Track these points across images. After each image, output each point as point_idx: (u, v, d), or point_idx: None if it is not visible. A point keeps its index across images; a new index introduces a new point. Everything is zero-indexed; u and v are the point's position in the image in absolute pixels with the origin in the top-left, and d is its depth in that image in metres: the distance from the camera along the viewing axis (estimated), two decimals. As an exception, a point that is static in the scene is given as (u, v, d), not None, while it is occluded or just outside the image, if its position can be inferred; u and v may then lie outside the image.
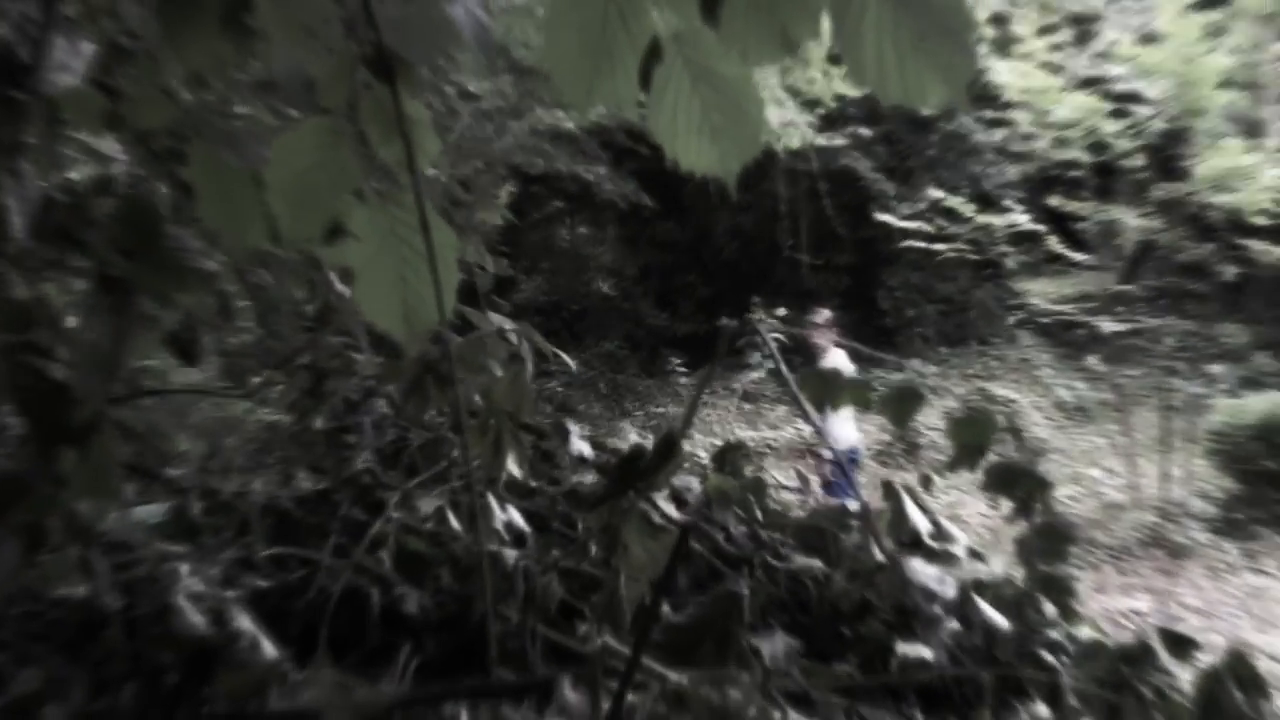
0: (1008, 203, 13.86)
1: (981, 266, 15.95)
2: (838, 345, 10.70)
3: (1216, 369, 13.35)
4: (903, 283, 18.61)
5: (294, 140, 1.42)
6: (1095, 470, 13.02)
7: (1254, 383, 13.49)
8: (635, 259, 21.01)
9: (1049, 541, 2.07)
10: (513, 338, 2.05)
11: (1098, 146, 11.73)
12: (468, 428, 1.95)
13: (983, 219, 13.20)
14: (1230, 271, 11.46)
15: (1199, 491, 11.38)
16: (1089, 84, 11.96)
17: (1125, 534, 10.73)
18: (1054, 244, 12.69)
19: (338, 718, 1.28)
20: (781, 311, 16.37)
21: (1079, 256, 12.76)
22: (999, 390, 16.62)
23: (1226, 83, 10.86)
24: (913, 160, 18.36)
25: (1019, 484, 1.96)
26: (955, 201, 13.39)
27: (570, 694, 1.56)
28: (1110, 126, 11.43)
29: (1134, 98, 11.58)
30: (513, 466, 2.02)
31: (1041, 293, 13.79)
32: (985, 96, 14.31)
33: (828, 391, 1.97)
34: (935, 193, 14.29)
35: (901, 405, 1.95)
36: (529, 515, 2.29)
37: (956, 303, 18.70)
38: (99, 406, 1.64)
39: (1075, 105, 11.64)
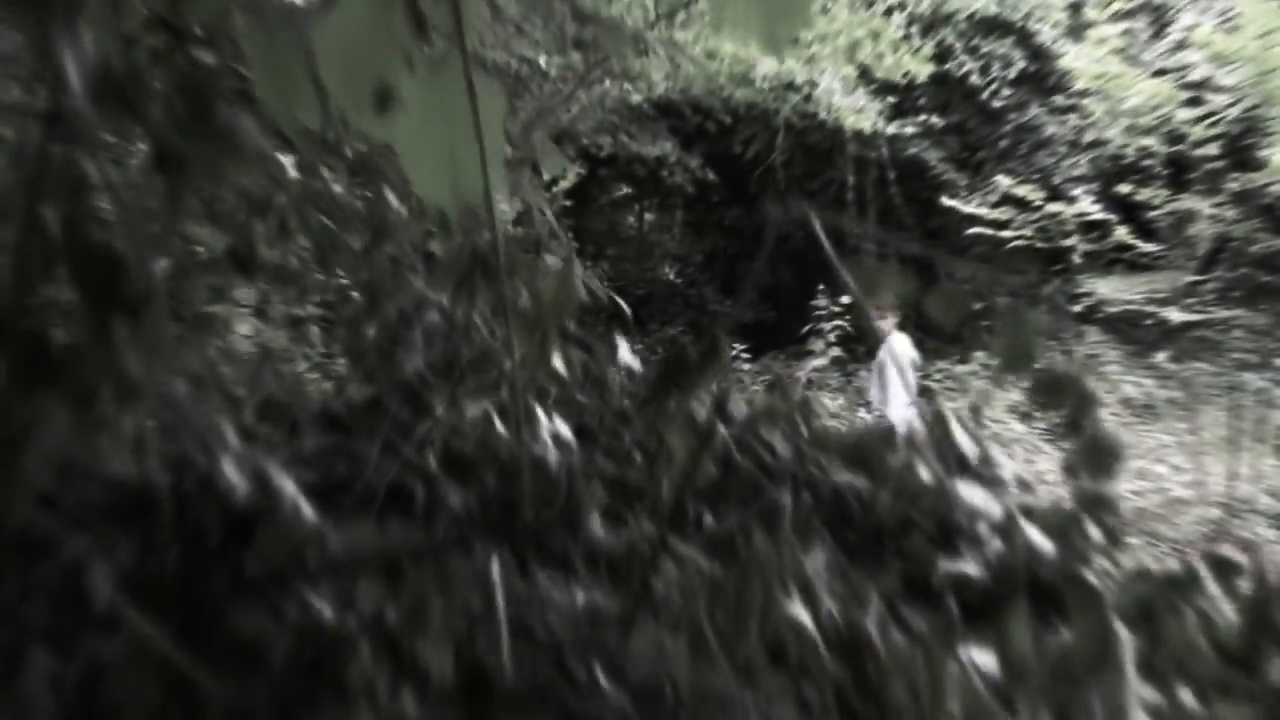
0: (1077, 193, 13.69)
1: (1050, 261, 15.78)
2: (901, 329, 10.66)
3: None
4: (970, 275, 18.42)
5: (344, 7, 1.44)
6: (1161, 466, 12.83)
7: (1325, 380, 13.24)
8: (700, 245, 21.00)
9: (1095, 458, 2.04)
10: (562, 238, 2.07)
11: (1171, 136, 11.57)
12: (514, 325, 1.96)
13: (1052, 208, 13.06)
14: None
15: (1267, 489, 11.18)
16: (1163, 72, 11.80)
17: (1190, 529, 10.56)
18: (1124, 234, 12.52)
19: (364, 556, 1.30)
20: (846, 300, 16.31)
21: (1149, 247, 12.60)
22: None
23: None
24: (984, 151, 18.17)
25: (1065, 394, 1.94)
26: (1024, 189, 13.25)
27: (598, 527, 1.57)
28: (1184, 115, 11.28)
29: (1210, 85, 11.41)
30: (560, 366, 2.03)
31: (1111, 288, 13.64)
32: (1057, 85, 14.16)
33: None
34: (1005, 182, 14.16)
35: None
36: (577, 430, 2.31)
37: (1024, 296, 18.51)
38: (152, 278, 1.67)
39: (1149, 93, 11.49)
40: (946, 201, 15.77)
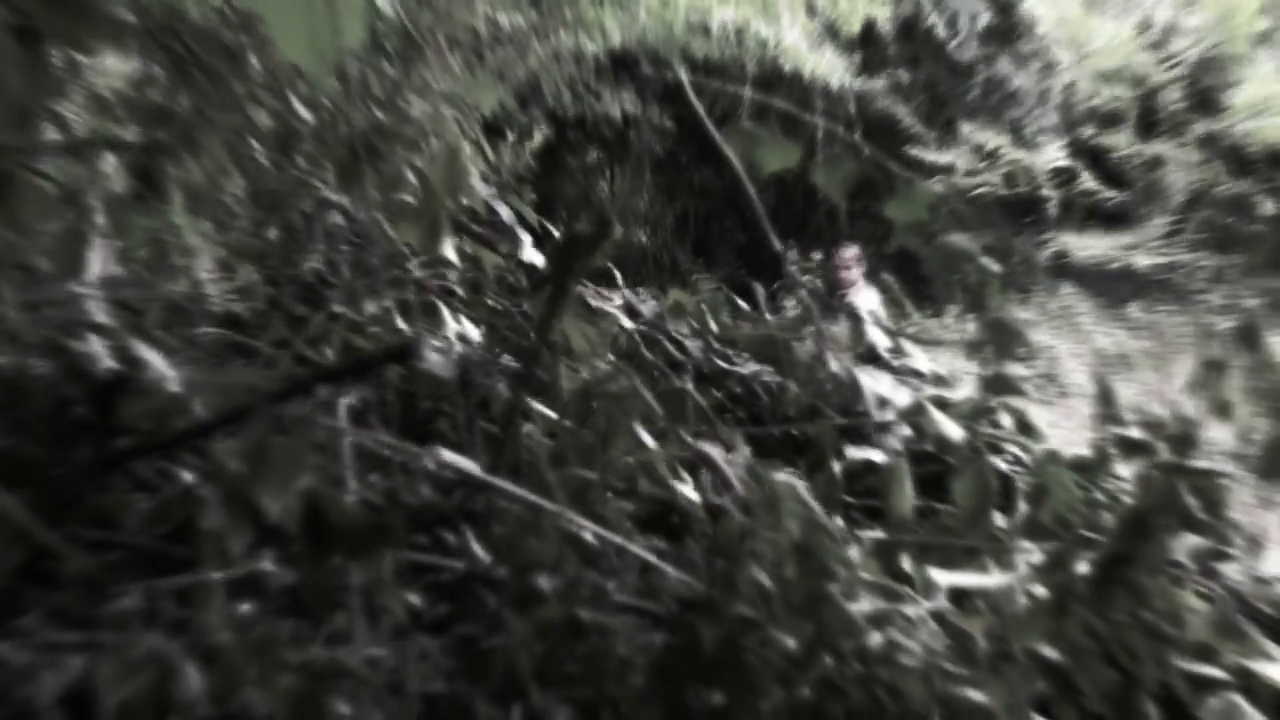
0: (1046, 142, 13.67)
1: (1021, 214, 15.75)
2: (867, 281, 10.62)
3: (1256, 305, 13.12)
4: (942, 229, 18.37)
5: None
6: (1132, 414, 12.82)
7: (1294, 324, 13.24)
8: (672, 207, 20.87)
9: (998, 336, 2.02)
10: (452, 123, 2.03)
11: (1136, 81, 11.55)
12: (402, 208, 1.93)
13: (1020, 155, 13.03)
14: (1270, 207, 11.26)
15: (1239, 432, 11.19)
16: (1126, 14, 11.78)
17: (1160, 474, 10.56)
18: (1092, 182, 12.51)
19: (213, 396, 1.27)
20: (817, 257, 16.27)
21: (1117, 194, 12.59)
22: (1038, 337, 16.43)
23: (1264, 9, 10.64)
24: (952, 106, 18.10)
25: (959, 264, 1.92)
26: (992, 138, 13.23)
27: (433, 356, 1.54)
28: (1149, 58, 11.25)
29: (1173, 28, 11.39)
30: (449, 252, 1.99)
31: (1083, 241, 13.63)
32: (1022, 36, 14.12)
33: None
34: (973, 134, 14.12)
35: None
36: (484, 326, 2.28)
37: (996, 251, 18.46)
38: (16, 158, 1.63)
39: (1110, 36, 11.46)
40: (915, 152, 15.73)
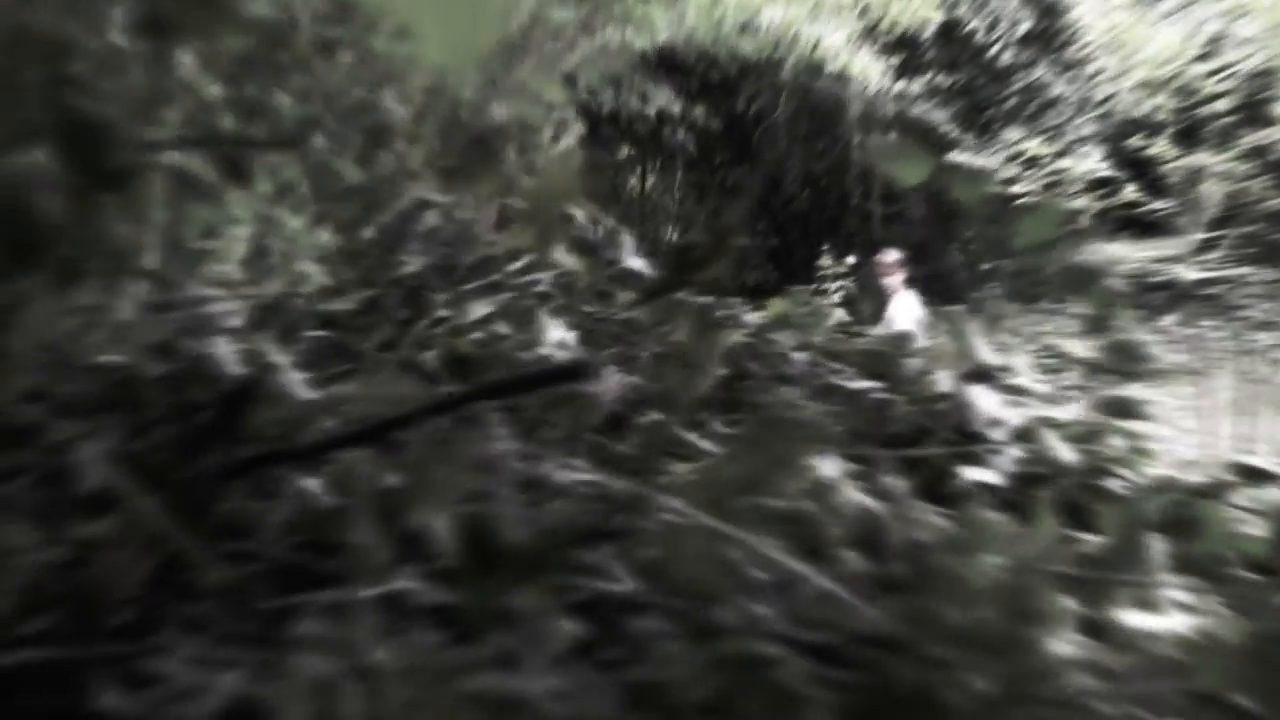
0: (1087, 151, 13.58)
1: (1061, 223, 15.63)
2: (908, 286, 10.57)
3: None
4: (977, 236, 18.32)
5: None
6: (1169, 429, 12.78)
7: (1340, 337, 13.16)
8: (703, 206, 20.86)
9: (1120, 360, 1.97)
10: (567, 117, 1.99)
11: (1183, 91, 11.45)
12: (515, 211, 1.89)
13: (1061, 164, 12.95)
14: (1317, 221, 11.17)
15: (1277, 450, 11.11)
16: (1177, 24, 11.68)
17: (1196, 489, 10.48)
18: (1133, 192, 12.42)
19: (374, 408, 1.23)
20: (851, 260, 16.24)
21: (1160, 205, 12.50)
22: (1070, 347, 16.35)
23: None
24: (991, 110, 18.04)
25: (1088, 286, 1.87)
26: (1032, 145, 13.16)
27: (614, 374, 1.50)
28: (1198, 69, 11.15)
29: (1224, 39, 11.29)
30: (563, 257, 1.95)
31: (1121, 251, 13.55)
32: (1066, 42, 14.04)
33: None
34: (1012, 138, 14.06)
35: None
36: (583, 334, 2.24)
37: (1032, 258, 18.36)
38: (141, 150, 1.59)
39: (1162, 46, 11.37)
40: (952, 158, 15.64)
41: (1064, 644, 1.18)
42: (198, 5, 1.59)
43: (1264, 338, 12.10)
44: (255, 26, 1.65)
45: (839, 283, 16.22)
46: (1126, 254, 13.23)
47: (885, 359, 2.19)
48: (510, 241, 1.98)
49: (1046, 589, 1.20)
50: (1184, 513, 1.73)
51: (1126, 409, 1.97)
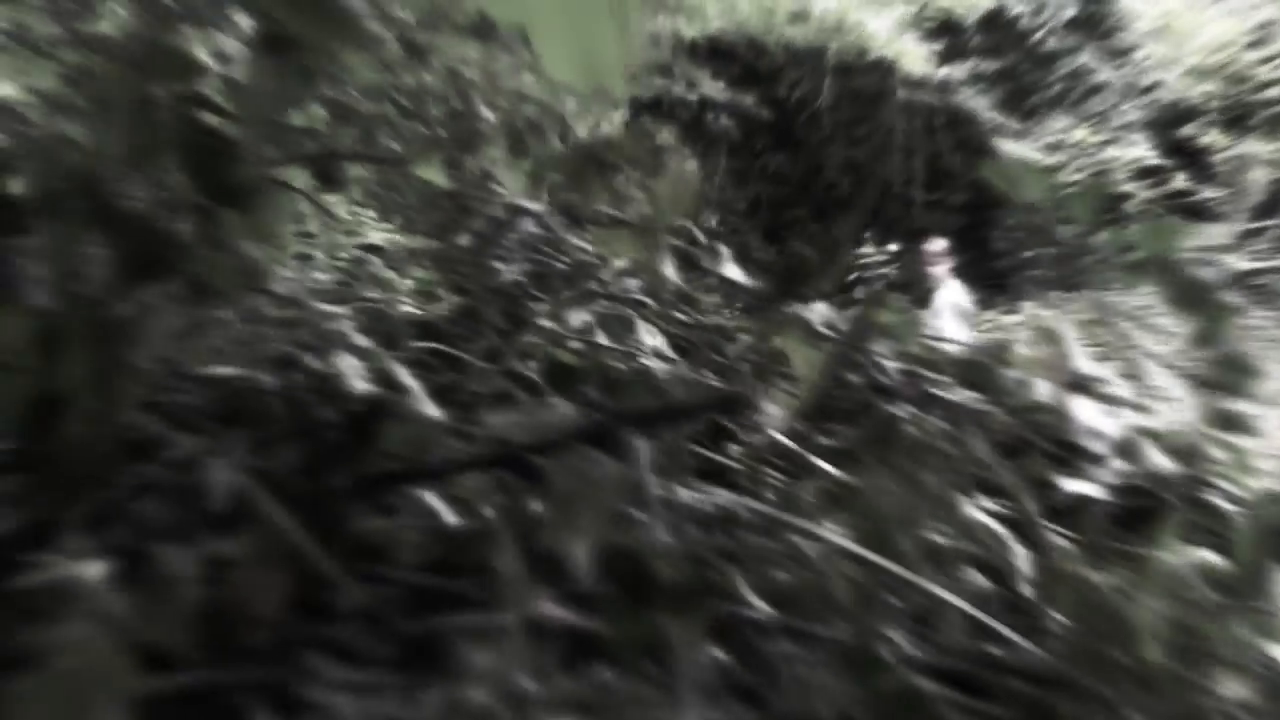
0: (1135, 139, 13.44)
1: (1103, 209, 15.50)
2: (953, 276, 10.49)
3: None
4: (1019, 223, 18.15)
5: None
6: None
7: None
8: (744, 192, 20.75)
9: (1229, 374, 1.95)
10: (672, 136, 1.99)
11: (1235, 79, 11.32)
12: (628, 227, 1.89)
13: (1108, 154, 12.82)
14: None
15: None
16: (1229, 11, 11.54)
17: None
18: (1181, 180, 12.28)
19: (521, 437, 1.23)
20: (892, 248, 16.15)
21: (1206, 193, 12.36)
22: (1115, 336, 16.20)
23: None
24: (1035, 97, 17.86)
25: (1203, 303, 1.85)
26: (1079, 133, 13.02)
27: (772, 407, 1.50)
28: (1250, 56, 11.02)
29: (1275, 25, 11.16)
30: (671, 273, 1.95)
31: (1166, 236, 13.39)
32: (1113, 28, 13.89)
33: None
34: (1057, 126, 13.93)
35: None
36: (677, 343, 2.24)
37: (1074, 245, 18.21)
38: (265, 166, 1.60)
39: (1214, 33, 11.23)
40: (999, 144, 15.54)
41: (1227, 682, 1.17)
42: (322, 22, 1.60)
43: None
44: (374, 40, 1.65)
45: (881, 270, 16.13)
46: (1169, 232, 13.08)
47: (982, 369, 2.17)
48: (616, 253, 1.98)
49: (1209, 624, 1.19)
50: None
51: (1231, 422, 1.95)
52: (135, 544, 1.46)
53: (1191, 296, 1.85)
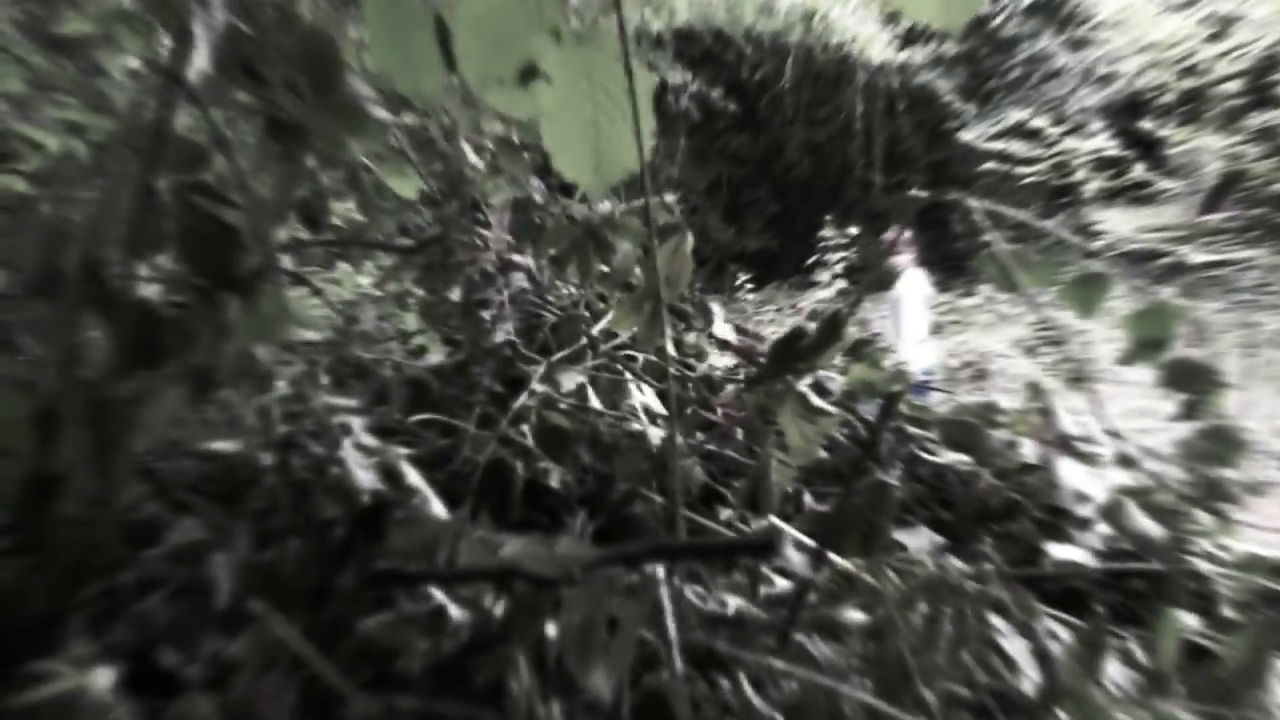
0: (1093, 128, 13.54)
1: (1058, 194, 15.67)
2: (915, 264, 10.52)
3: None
4: (977, 207, 18.22)
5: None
6: (1169, 403, 12.76)
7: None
8: (704, 172, 20.75)
9: (1217, 445, 1.98)
10: (674, 208, 1.99)
11: (1192, 70, 11.41)
12: (623, 300, 1.88)
13: (1067, 143, 12.92)
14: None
15: (1278, 430, 11.15)
16: (1189, 4, 11.62)
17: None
18: (1140, 171, 12.39)
19: (539, 570, 1.23)
20: (853, 231, 16.20)
21: (1166, 184, 12.49)
22: (1071, 320, 16.34)
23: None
24: (994, 81, 17.96)
25: (1197, 383, 1.87)
26: (1040, 122, 13.10)
27: (794, 554, 1.51)
28: (1209, 50, 11.11)
29: (1236, 19, 11.24)
30: (668, 343, 1.95)
31: (1119, 223, 13.53)
32: (1071, 16, 13.96)
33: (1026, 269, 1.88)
34: (1017, 115, 14.01)
35: (1088, 292, 1.87)
36: (662, 398, 2.24)
37: (1030, 230, 18.35)
38: (268, 253, 1.59)
39: (1173, 27, 11.31)
40: (962, 136, 15.61)
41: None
42: (332, 113, 1.58)
43: (1265, 319, 12.13)
44: (381, 128, 1.63)
45: (841, 254, 16.20)
46: (1123, 223, 13.24)
47: (969, 429, 2.19)
48: (614, 325, 1.98)
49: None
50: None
51: (1224, 495, 1.98)
52: (140, 645, 1.45)
53: (1191, 379, 1.87)
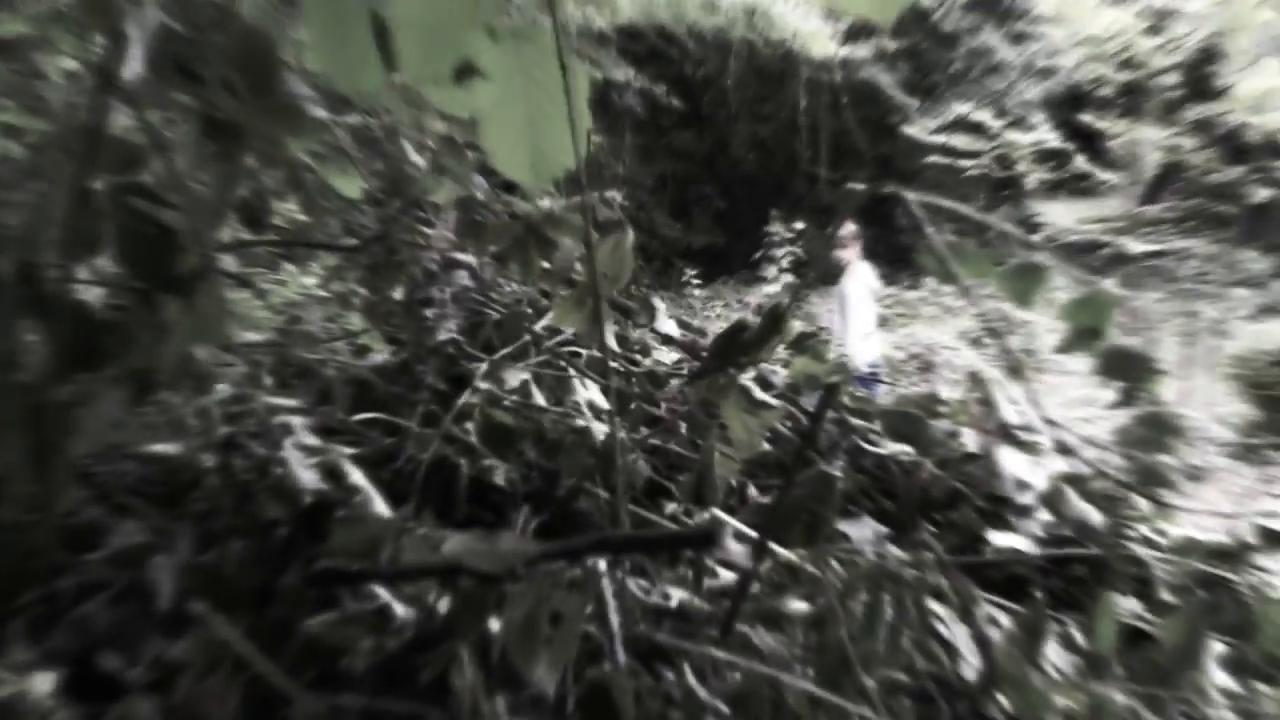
0: (1034, 121, 13.69)
1: (1000, 186, 15.83)
2: (861, 259, 10.52)
3: (1239, 294, 13.27)
4: (921, 200, 18.34)
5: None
6: (1110, 392, 12.92)
7: (1274, 310, 13.44)
8: (651, 169, 20.76)
9: (1154, 431, 2.01)
10: (615, 204, 2.00)
11: (1130, 63, 11.56)
12: (563, 297, 1.89)
13: (1009, 136, 13.05)
14: (1262, 194, 11.33)
15: (1217, 416, 11.33)
16: (1126, -1, 11.81)
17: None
18: (1081, 163, 12.54)
19: (481, 565, 1.24)
20: (799, 226, 16.25)
21: (1106, 176, 12.64)
22: (1014, 311, 16.51)
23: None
24: (936, 75, 18.09)
25: (1133, 371, 1.90)
26: (986, 116, 13.23)
27: (734, 545, 1.52)
28: (1146, 43, 11.26)
29: (1172, 13, 11.40)
30: (610, 339, 1.96)
31: (1060, 214, 13.68)
32: (1011, 10, 14.09)
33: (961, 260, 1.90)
34: (960, 109, 14.14)
35: (1024, 283, 1.89)
36: (605, 394, 2.25)
37: (973, 222, 18.49)
38: (207, 254, 1.58)
39: (1111, 20, 11.45)
40: (906, 130, 15.71)
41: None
42: (270, 113, 1.58)
43: (1201, 306, 12.32)
44: (319, 127, 1.63)
45: (787, 249, 16.26)
46: (1064, 215, 13.40)
47: (911, 420, 2.22)
48: (556, 321, 1.98)
49: None
50: (1244, 616, 1.77)
51: (1161, 479, 2.02)
52: (80, 650, 1.44)
53: (1128, 367, 1.90)
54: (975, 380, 2.34)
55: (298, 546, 1.50)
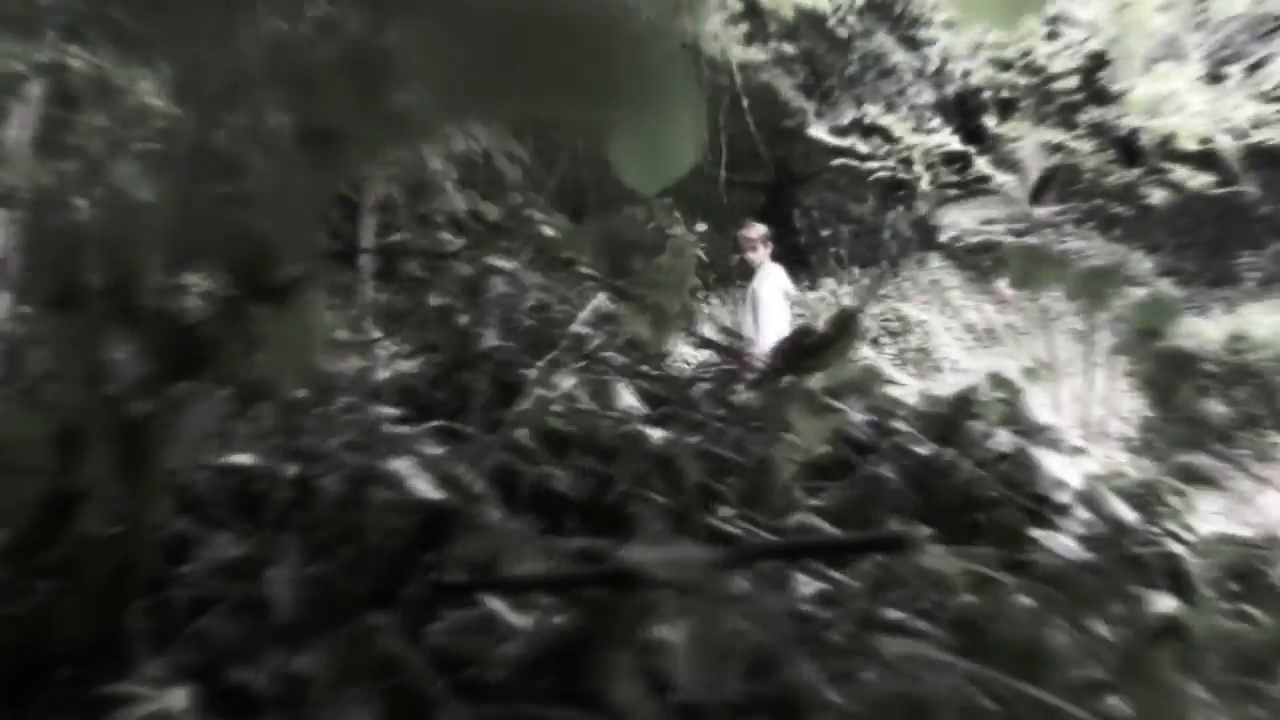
0: (934, 124, 13.95)
1: (894, 188, 16.10)
2: (773, 260, 10.55)
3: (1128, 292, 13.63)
4: (818, 202, 18.65)
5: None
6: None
7: (1164, 310, 13.83)
8: (551, 172, 20.67)
9: (1192, 431, 2.09)
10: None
11: (1027, 68, 11.85)
12: (629, 305, 1.90)
13: (910, 139, 13.29)
14: (1158, 196, 11.70)
15: (1115, 413, 11.62)
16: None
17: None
18: (982, 166, 12.82)
19: (661, 574, 1.24)
20: (701, 228, 16.33)
21: (1003, 178, 12.95)
22: (910, 311, 16.84)
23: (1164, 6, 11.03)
24: (832, 79, 18.33)
25: (1188, 371, 1.97)
26: (887, 120, 13.45)
27: (932, 550, 1.54)
28: (1045, 48, 11.55)
29: (1067, 19, 11.72)
30: (670, 345, 1.97)
31: (960, 216, 13.96)
32: (905, 14, 14.36)
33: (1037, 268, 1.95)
34: (856, 112, 14.35)
35: (1098, 285, 1.95)
36: (658, 403, 2.26)
37: (869, 224, 18.83)
38: (305, 265, 1.56)
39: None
40: (810, 132, 15.89)
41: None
42: (371, 120, 1.55)
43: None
44: (427, 134, 1.62)
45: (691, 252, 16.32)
46: (959, 217, 13.69)
47: (946, 421, 2.27)
48: (625, 331, 1.99)
49: None
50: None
51: (1200, 476, 2.09)
52: (204, 664, 1.42)
53: (1180, 368, 1.96)
54: (999, 380, 2.40)
55: (411, 556, 1.49)
